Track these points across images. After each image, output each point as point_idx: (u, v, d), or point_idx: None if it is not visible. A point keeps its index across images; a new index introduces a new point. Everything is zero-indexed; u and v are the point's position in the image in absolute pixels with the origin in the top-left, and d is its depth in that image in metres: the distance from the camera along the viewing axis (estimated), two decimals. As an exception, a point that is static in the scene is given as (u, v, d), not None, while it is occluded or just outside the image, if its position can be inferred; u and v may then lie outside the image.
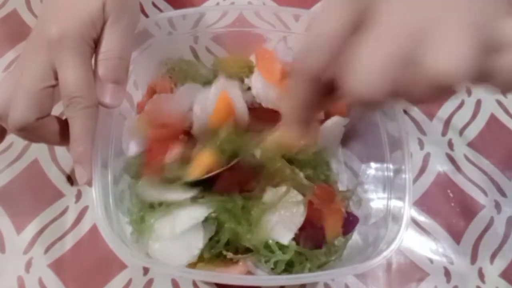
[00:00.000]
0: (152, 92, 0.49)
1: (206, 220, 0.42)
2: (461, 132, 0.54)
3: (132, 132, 0.46)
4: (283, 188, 0.43)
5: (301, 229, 0.42)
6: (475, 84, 0.26)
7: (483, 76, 0.25)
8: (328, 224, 0.44)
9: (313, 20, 0.29)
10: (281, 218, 0.42)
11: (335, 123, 0.48)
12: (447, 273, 0.48)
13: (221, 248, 0.42)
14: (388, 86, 0.25)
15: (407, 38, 0.25)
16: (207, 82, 0.50)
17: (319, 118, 0.47)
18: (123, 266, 0.47)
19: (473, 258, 0.49)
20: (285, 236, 0.42)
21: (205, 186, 0.43)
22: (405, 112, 0.54)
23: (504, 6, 0.26)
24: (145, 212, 0.43)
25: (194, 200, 0.42)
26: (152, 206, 0.43)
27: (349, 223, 0.46)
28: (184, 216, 0.42)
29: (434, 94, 0.25)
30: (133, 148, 0.46)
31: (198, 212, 0.42)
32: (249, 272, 0.42)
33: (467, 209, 0.51)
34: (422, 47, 0.25)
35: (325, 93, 0.30)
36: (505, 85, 0.26)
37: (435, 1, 0.26)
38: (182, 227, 0.41)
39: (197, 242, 0.41)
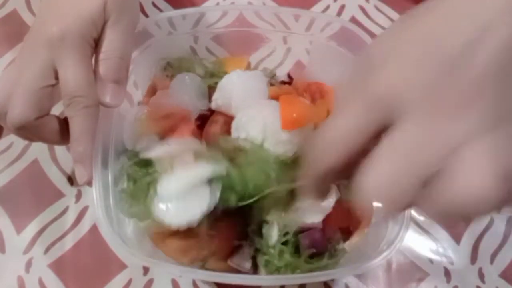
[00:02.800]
0: (152, 91, 0.49)
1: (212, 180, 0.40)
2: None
3: (139, 131, 0.45)
4: None
5: (310, 232, 0.42)
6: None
7: None
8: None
9: (327, 121, 0.27)
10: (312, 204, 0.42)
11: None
12: (447, 273, 0.48)
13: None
14: (397, 201, 0.23)
15: (423, 157, 0.23)
16: (208, 75, 0.50)
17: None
18: (123, 266, 0.47)
19: (473, 258, 0.49)
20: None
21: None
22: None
23: None
24: (139, 173, 0.42)
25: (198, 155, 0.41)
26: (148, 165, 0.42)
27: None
28: (185, 174, 0.40)
29: (454, 219, 0.24)
30: (152, 150, 0.44)
31: (202, 170, 0.40)
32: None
33: (467, 209, 0.51)
34: (441, 170, 0.23)
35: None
36: None
37: (464, 117, 0.23)
38: (184, 187, 0.39)
39: (202, 203, 0.39)
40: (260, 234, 0.42)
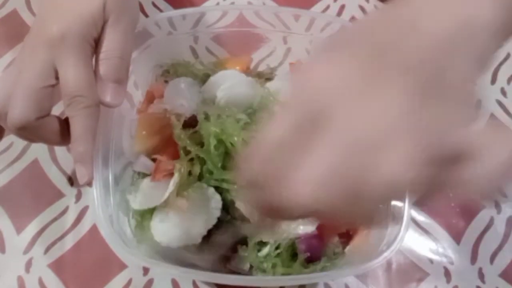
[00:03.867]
0: (151, 97, 0.49)
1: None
2: (461, 132, 0.54)
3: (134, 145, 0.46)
4: None
5: (307, 237, 0.42)
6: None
7: (440, 185, 0.24)
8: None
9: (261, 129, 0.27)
10: None
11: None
12: (447, 273, 0.48)
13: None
14: (328, 198, 0.24)
15: (355, 148, 0.24)
16: (204, 76, 0.50)
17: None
18: (123, 266, 0.47)
19: (473, 258, 0.49)
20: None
21: None
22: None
23: (467, 112, 0.24)
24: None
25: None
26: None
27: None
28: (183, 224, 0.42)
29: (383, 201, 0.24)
30: (140, 166, 0.46)
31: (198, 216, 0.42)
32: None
33: (467, 209, 0.51)
34: (371, 158, 0.23)
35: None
36: (471, 193, 0.25)
37: (391, 111, 0.24)
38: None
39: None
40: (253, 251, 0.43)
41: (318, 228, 0.42)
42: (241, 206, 0.42)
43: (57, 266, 0.47)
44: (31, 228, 0.48)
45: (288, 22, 0.49)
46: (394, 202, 0.43)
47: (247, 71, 0.51)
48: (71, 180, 0.50)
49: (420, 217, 0.50)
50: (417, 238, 0.49)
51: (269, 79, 0.51)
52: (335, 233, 0.44)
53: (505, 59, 0.59)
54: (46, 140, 0.39)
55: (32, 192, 0.50)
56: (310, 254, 0.42)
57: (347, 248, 0.44)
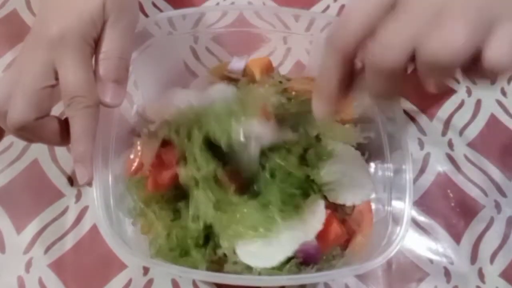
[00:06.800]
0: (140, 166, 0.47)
1: None
2: (461, 132, 0.54)
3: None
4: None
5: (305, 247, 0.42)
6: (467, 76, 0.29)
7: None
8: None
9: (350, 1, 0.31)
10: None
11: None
12: (447, 273, 0.48)
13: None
14: (405, 55, 0.27)
15: (424, 20, 0.27)
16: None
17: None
18: (123, 266, 0.47)
19: (473, 258, 0.49)
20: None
21: None
22: (405, 112, 0.54)
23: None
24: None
25: None
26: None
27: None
28: None
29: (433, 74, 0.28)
30: None
31: None
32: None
33: (467, 209, 0.51)
34: (433, 29, 0.27)
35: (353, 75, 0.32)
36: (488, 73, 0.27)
37: None
38: None
39: None
40: None
41: (317, 237, 0.42)
42: None
43: (57, 266, 0.47)
44: (31, 228, 0.48)
45: (288, 22, 0.49)
46: (394, 202, 0.43)
47: (269, 73, 0.51)
48: (71, 180, 0.50)
49: (420, 217, 0.50)
50: (417, 238, 0.49)
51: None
52: (335, 243, 0.44)
53: (505, 59, 0.59)
54: (46, 140, 0.39)
55: (32, 192, 0.50)
56: (305, 260, 0.42)
57: (347, 250, 0.44)
